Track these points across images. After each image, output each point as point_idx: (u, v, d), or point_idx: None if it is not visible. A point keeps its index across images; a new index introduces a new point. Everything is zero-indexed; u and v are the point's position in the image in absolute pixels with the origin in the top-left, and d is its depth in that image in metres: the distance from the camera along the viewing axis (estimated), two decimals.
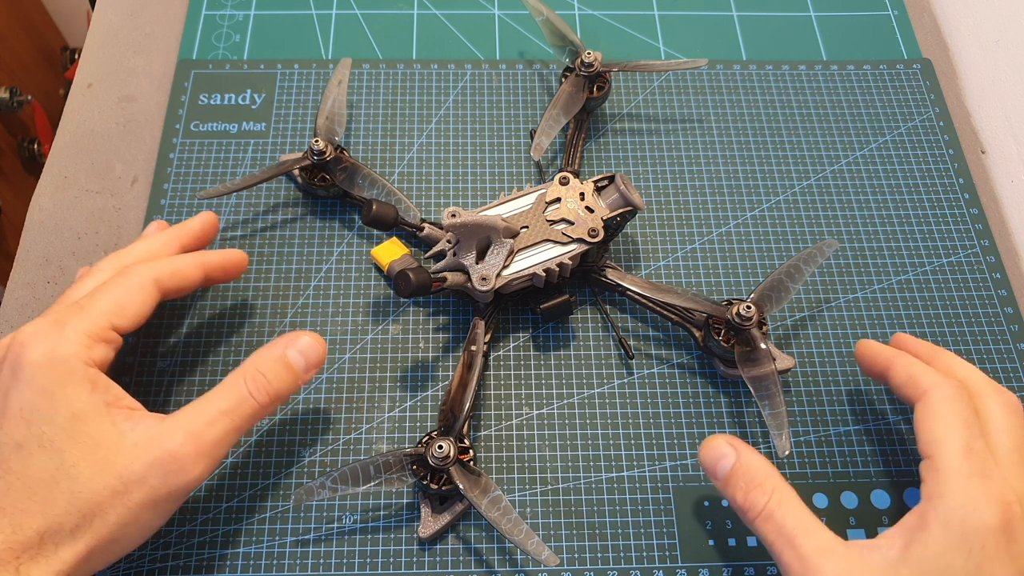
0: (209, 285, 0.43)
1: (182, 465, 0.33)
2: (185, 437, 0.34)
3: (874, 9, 0.60)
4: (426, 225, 0.46)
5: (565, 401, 0.44)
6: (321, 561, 0.39)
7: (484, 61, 0.56)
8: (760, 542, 0.40)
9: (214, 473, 0.41)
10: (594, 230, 0.43)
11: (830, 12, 0.59)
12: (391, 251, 0.46)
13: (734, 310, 0.41)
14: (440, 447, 0.37)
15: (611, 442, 0.43)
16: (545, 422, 0.43)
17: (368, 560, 0.39)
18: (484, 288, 0.41)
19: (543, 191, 0.44)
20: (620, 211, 0.43)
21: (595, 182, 0.45)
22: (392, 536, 0.40)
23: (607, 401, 0.44)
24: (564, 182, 0.44)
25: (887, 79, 0.56)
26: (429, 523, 0.39)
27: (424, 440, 0.39)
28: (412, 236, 0.47)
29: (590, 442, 0.43)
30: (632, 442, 0.43)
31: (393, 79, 0.55)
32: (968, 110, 0.56)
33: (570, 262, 0.43)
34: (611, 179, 0.44)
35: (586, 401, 0.44)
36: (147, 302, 0.37)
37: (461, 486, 0.37)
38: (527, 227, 0.43)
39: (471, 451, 0.39)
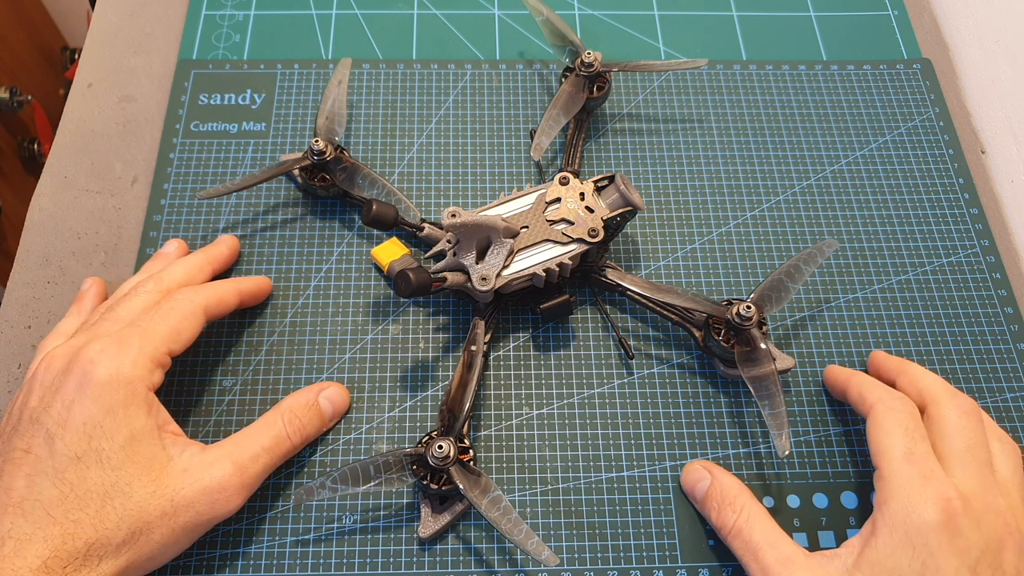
0: (241, 308, 0.44)
1: (228, 496, 0.36)
2: (233, 469, 0.36)
3: (874, 9, 0.60)
4: (426, 225, 0.46)
5: (565, 401, 0.44)
6: (321, 561, 0.39)
7: (484, 61, 0.56)
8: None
9: None
10: (594, 230, 0.43)
11: (830, 12, 0.59)
12: (391, 251, 0.46)
13: (734, 310, 0.41)
14: (440, 447, 0.37)
15: (611, 442, 0.43)
16: (545, 422, 0.43)
17: (368, 560, 0.39)
18: (484, 288, 0.41)
19: (543, 191, 0.44)
20: (620, 211, 0.43)
21: (595, 182, 0.45)
22: (392, 536, 0.40)
23: (607, 401, 0.44)
24: (564, 182, 0.44)
25: (887, 79, 0.56)
26: (429, 523, 0.39)
27: (424, 440, 0.39)
28: (412, 236, 0.47)
29: (590, 442, 0.43)
30: (632, 442, 0.43)
31: (393, 79, 0.55)
32: (968, 110, 0.56)
33: (570, 262, 0.43)
34: (611, 179, 0.44)
35: (586, 401, 0.44)
36: (197, 328, 0.40)
37: (461, 486, 0.37)
38: (527, 227, 0.43)
39: (471, 451, 0.39)
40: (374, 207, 0.43)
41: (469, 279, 0.42)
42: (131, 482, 0.34)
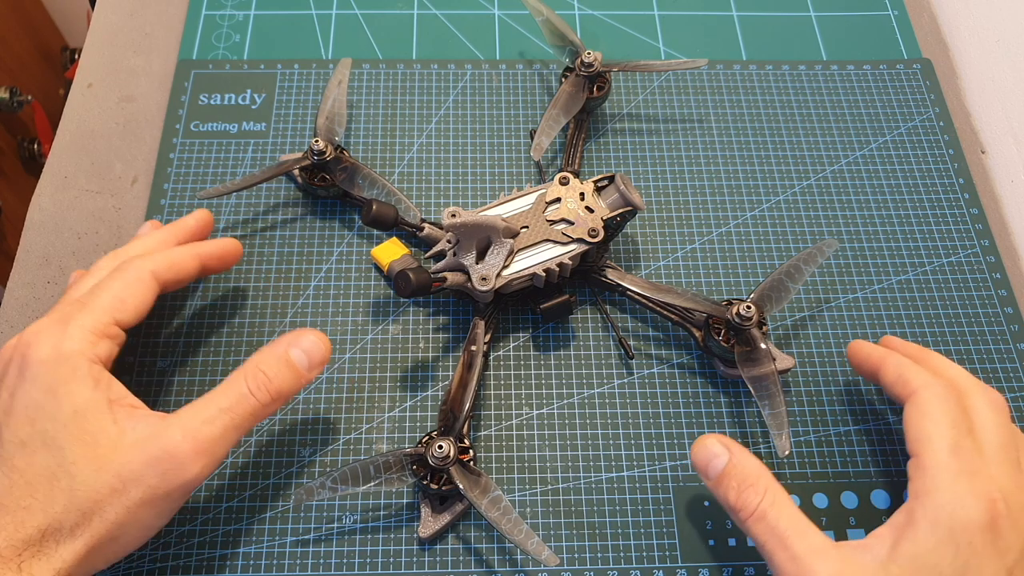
0: (206, 275, 0.43)
1: (180, 463, 0.33)
2: (183, 435, 0.33)
3: (874, 9, 0.60)
4: (426, 225, 0.46)
5: (565, 401, 0.44)
6: (321, 561, 0.39)
7: (484, 61, 0.56)
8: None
9: (214, 473, 0.41)
10: (594, 230, 0.43)
11: (830, 12, 0.59)
12: (391, 251, 0.46)
13: (734, 310, 0.41)
14: (440, 447, 0.37)
15: (611, 442, 0.43)
16: (545, 422, 0.43)
17: (368, 560, 0.39)
18: (484, 288, 0.41)
19: (543, 191, 0.44)
20: (620, 211, 0.43)
21: (595, 182, 0.45)
22: (392, 536, 0.40)
23: (607, 401, 0.44)
24: (564, 182, 0.44)
25: (887, 79, 0.56)
26: (429, 523, 0.39)
27: (424, 440, 0.39)
28: (412, 236, 0.47)
29: (590, 442, 0.43)
30: (632, 442, 0.43)
31: (393, 79, 0.55)
32: (968, 110, 0.56)
33: (570, 262, 0.43)
34: (611, 179, 0.44)
35: (586, 401, 0.44)
36: (147, 295, 0.37)
37: (461, 486, 0.37)
38: (527, 227, 0.43)
39: (471, 451, 0.39)
40: (374, 207, 0.42)
41: (469, 279, 0.42)
42: (76, 461, 0.32)
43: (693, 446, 0.37)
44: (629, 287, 0.44)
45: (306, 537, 0.40)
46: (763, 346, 0.40)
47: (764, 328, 0.41)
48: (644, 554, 0.40)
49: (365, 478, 0.37)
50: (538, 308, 0.43)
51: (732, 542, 0.40)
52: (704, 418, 0.43)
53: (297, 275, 0.47)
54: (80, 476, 0.32)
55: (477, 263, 0.42)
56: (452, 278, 0.41)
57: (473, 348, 0.41)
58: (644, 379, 0.45)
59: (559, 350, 0.45)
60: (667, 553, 0.40)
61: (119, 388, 0.35)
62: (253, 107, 0.53)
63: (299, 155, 0.48)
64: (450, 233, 0.42)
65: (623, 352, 0.45)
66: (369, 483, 0.37)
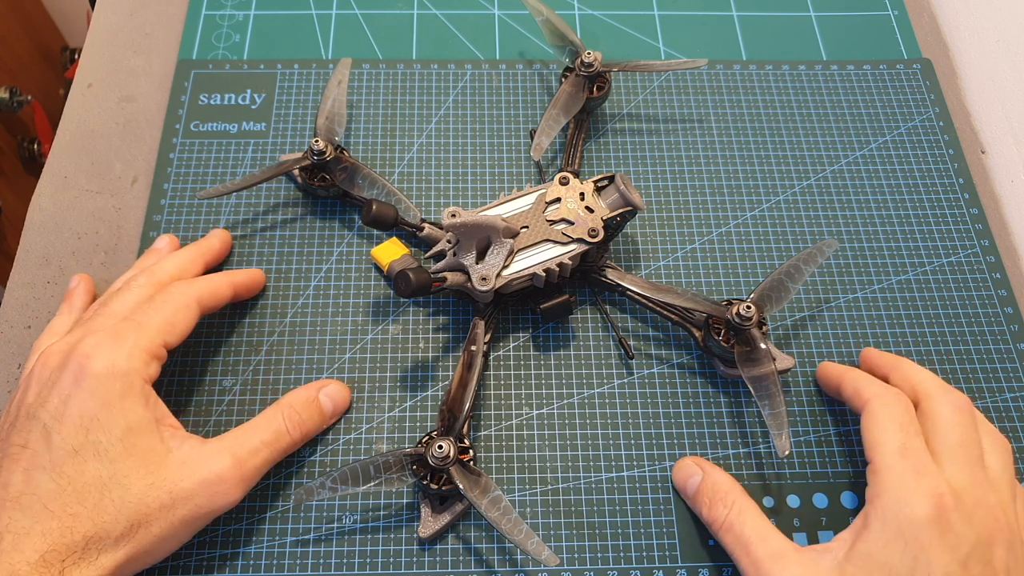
0: (234, 302, 0.44)
1: (227, 488, 0.36)
2: (232, 462, 0.36)
3: (874, 9, 0.60)
4: (426, 225, 0.46)
5: (565, 401, 0.44)
6: (321, 561, 0.39)
7: (484, 61, 0.56)
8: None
9: None
10: (594, 230, 0.43)
11: (830, 12, 0.59)
12: (391, 251, 0.46)
13: (734, 310, 0.41)
14: (440, 447, 0.37)
15: (611, 442, 0.43)
16: (545, 422, 0.43)
17: (368, 560, 0.39)
18: (484, 288, 0.41)
19: (543, 191, 0.44)
20: (620, 211, 0.43)
21: (595, 182, 0.45)
22: (392, 536, 0.40)
23: (607, 401, 0.44)
24: (564, 182, 0.44)
25: (887, 79, 0.56)
26: (429, 523, 0.39)
27: (424, 440, 0.39)
28: (412, 236, 0.47)
29: (590, 442, 0.43)
30: (632, 442, 0.43)
31: (393, 79, 0.55)
32: (968, 110, 0.56)
33: (570, 262, 0.43)
34: (611, 179, 0.44)
35: (586, 401, 0.44)
36: (191, 320, 0.40)
37: (461, 486, 0.37)
38: (527, 227, 0.43)
39: (471, 451, 0.39)
40: (374, 207, 0.43)
41: (469, 279, 0.42)
42: (129, 474, 0.34)
43: (674, 467, 0.41)
44: (629, 287, 0.44)
45: (306, 537, 0.40)
46: (763, 346, 0.40)
47: (764, 328, 0.41)
48: (644, 554, 0.40)
49: (365, 478, 0.37)
50: (538, 308, 0.43)
51: None
52: (704, 418, 0.43)
53: (297, 275, 0.47)
54: (134, 489, 0.34)
55: (477, 263, 0.42)
56: (452, 278, 0.41)
57: (473, 348, 0.41)
58: (644, 379, 0.45)
59: (559, 350, 0.45)
60: (667, 553, 0.40)
61: (163, 408, 0.37)
62: (253, 107, 0.53)
63: (299, 155, 0.48)
64: (450, 233, 0.42)
65: (623, 352, 0.45)
66: (369, 483, 0.37)
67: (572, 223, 0.43)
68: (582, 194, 0.44)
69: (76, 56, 0.98)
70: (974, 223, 0.50)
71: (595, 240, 0.43)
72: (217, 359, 0.44)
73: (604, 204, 0.44)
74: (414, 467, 0.38)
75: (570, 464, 0.42)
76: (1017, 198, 0.52)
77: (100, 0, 0.58)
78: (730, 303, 0.42)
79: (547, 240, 0.43)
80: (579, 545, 0.40)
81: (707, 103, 0.54)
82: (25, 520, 0.32)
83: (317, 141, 0.46)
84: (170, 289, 0.40)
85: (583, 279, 0.46)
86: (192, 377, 0.44)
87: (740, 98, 0.55)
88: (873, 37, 0.58)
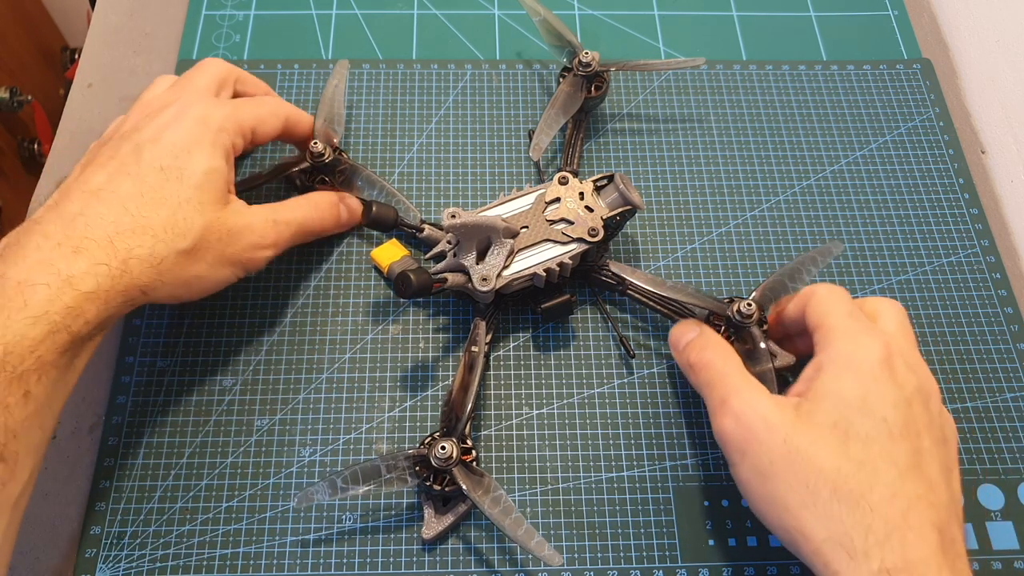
0: (284, 139, 0.46)
1: (264, 243, 0.40)
2: (273, 223, 0.40)
3: (874, 9, 0.60)
4: (426, 226, 0.46)
5: (565, 401, 0.44)
6: (321, 561, 0.39)
7: (484, 61, 0.56)
8: (761, 546, 0.40)
9: (214, 473, 0.41)
10: (594, 229, 0.43)
11: (830, 12, 0.59)
12: (391, 252, 0.46)
13: (735, 307, 0.41)
14: (443, 448, 0.37)
15: (611, 442, 0.43)
16: (545, 422, 0.43)
17: (368, 560, 0.39)
18: (485, 289, 0.41)
19: (542, 191, 0.44)
20: (620, 210, 0.43)
21: (594, 181, 0.45)
22: (393, 536, 0.40)
23: (607, 401, 0.44)
24: (563, 182, 0.44)
25: (887, 79, 0.56)
26: (432, 524, 0.39)
27: (426, 441, 0.39)
28: (412, 237, 0.47)
29: (590, 442, 0.43)
30: (632, 442, 0.43)
31: (393, 79, 0.55)
32: (968, 110, 0.56)
33: (570, 261, 0.42)
34: (610, 178, 0.44)
35: (586, 401, 0.44)
36: (277, 128, 0.43)
37: (464, 487, 0.37)
38: (527, 227, 0.43)
39: (473, 451, 0.39)
40: (374, 208, 0.43)
41: (469, 279, 0.42)
42: (203, 202, 0.37)
43: (673, 328, 0.42)
44: (630, 279, 0.44)
45: (306, 537, 0.40)
46: (763, 344, 0.40)
47: (764, 327, 0.41)
48: (644, 554, 0.40)
49: (367, 479, 0.37)
50: (539, 308, 0.43)
51: (732, 542, 0.40)
52: (704, 418, 0.43)
53: (297, 275, 0.47)
54: (207, 214, 0.37)
55: (477, 264, 0.42)
56: (452, 279, 0.41)
57: (474, 349, 0.41)
58: (644, 379, 0.45)
59: (559, 350, 0.45)
60: (667, 553, 0.40)
61: (232, 174, 0.40)
62: None
63: (298, 157, 0.48)
64: (450, 234, 0.42)
65: (624, 351, 0.45)
66: (371, 485, 0.37)
67: (572, 223, 0.43)
68: (581, 194, 0.44)
69: (76, 56, 0.98)
70: (974, 223, 0.50)
71: (595, 239, 0.43)
72: (217, 359, 0.44)
73: (604, 203, 0.44)
74: (417, 468, 0.38)
75: (570, 464, 0.42)
76: (1017, 198, 0.52)
77: (100, 0, 0.58)
78: (731, 300, 0.42)
79: (547, 240, 0.43)
80: (579, 545, 0.40)
81: (707, 103, 0.54)
82: (101, 208, 0.35)
83: (315, 143, 0.46)
84: (264, 98, 0.45)
85: (583, 279, 0.46)
86: (192, 377, 0.44)
87: (740, 98, 0.55)
88: (873, 37, 0.58)
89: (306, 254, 0.48)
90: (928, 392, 0.36)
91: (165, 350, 0.45)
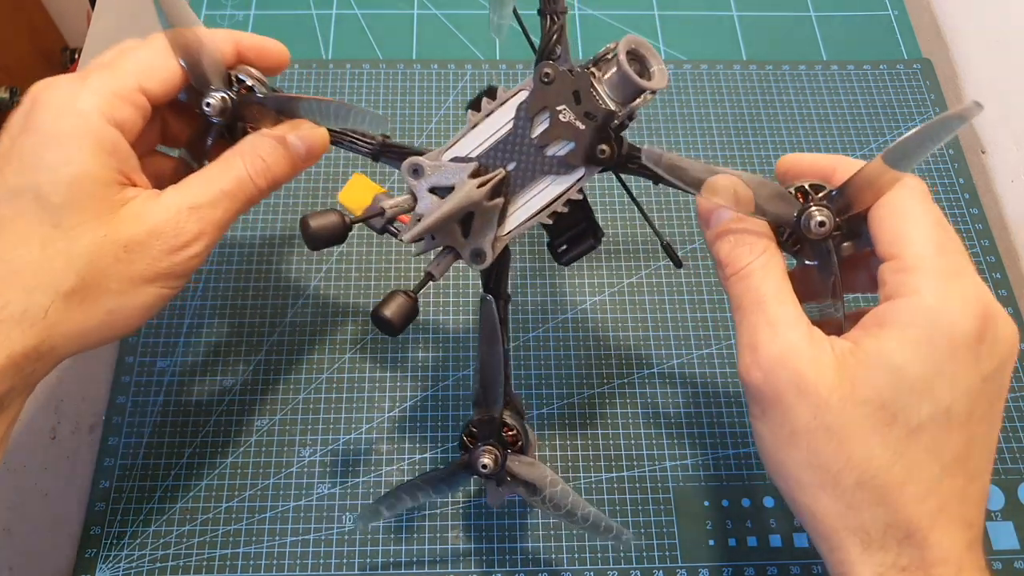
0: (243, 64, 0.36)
1: (185, 241, 0.32)
2: (189, 212, 0.32)
3: (874, 9, 0.60)
4: (386, 207, 0.34)
5: (565, 401, 0.44)
6: (321, 561, 0.39)
7: (484, 61, 0.56)
8: (761, 546, 0.40)
9: (214, 473, 0.41)
10: (602, 148, 0.31)
11: (830, 12, 0.59)
12: (361, 192, 0.37)
13: (808, 218, 0.30)
14: (484, 465, 0.34)
15: (611, 442, 0.43)
16: (545, 422, 0.43)
17: (368, 560, 0.39)
18: (482, 265, 0.33)
19: (520, 97, 0.32)
20: (631, 105, 0.31)
21: (591, 66, 0.32)
22: (392, 536, 0.40)
23: (607, 401, 0.44)
24: (547, 80, 0.31)
25: (887, 79, 0.56)
26: (497, 493, 0.36)
27: (468, 439, 0.35)
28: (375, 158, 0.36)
29: (590, 442, 0.43)
30: (632, 442, 0.43)
31: (393, 79, 0.55)
32: None
33: (580, 196, 0.33)
34: (610, 56, 0.31)
35: (586, 401, 0.44)
36: (175, 68, 0.33)
37: (520, 496, 0.35)
38: (515, 164, 0.32)
39: (515, 429, 0.35)
40: (311, 225, 0.32)
41: (459, 257, 0.33)
42: (76, 225, 0.30)
43: (700, 193, 0.31)
44: (669, 176, 0.32)
45: (306, 537, 0.40)
46: (832, 275, 0.31)
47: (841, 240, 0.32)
48: (644, 554, 0.40)
49: (424, 495, 0.35)
50: (557, 256, 0.36)
51: (732, 542, 0.40)
52: (704, 418, 0.43)
53: (297, 275, 0.47)
54: (82, 241, 0.30)
55: (464, 237, 0.33)
56: (439, 269, 0.33)
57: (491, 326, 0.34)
58: (644, 379, 0.45)
59: (559, 351, 0.45)
60: (667, 553, 0.40)
61: (134, 162, 0.32)
62: None
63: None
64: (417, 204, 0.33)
65: (671, 260, 0.37)
66: (429, 497, 0.35)
67: (572, 143, 0.32)
68: (576, 93, 0.31)
69: (76, 56, 0.98)
70: (974, 223, 0.50)
71: (605, 158, 0.32)
72: (217, 359, 0.44)
73: (608, 95, 0.31)
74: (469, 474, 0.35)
75: (570, 464, 0.42)
76: (1017, 198, 0.52)
77: (100, 0, 0.58)
78: (804, 195, 0.32)
79: (545, 174, 0.33)
80: (579, 545, 0.40)
81: (707, 103, 0.54)
82: None
83: (210, 97, 0.34)
84: (150, 37, 0.34)
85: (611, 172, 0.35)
86: (192, 377, 0.44)
87: (740, 98, 0.55)
88: (873, 37, 0.58)
89: (306, 254, 0.48)
90: (1010, 359, 0.28)
91: (165, 350, 0.45)
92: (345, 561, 0.39)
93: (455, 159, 0.33)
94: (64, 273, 0.29)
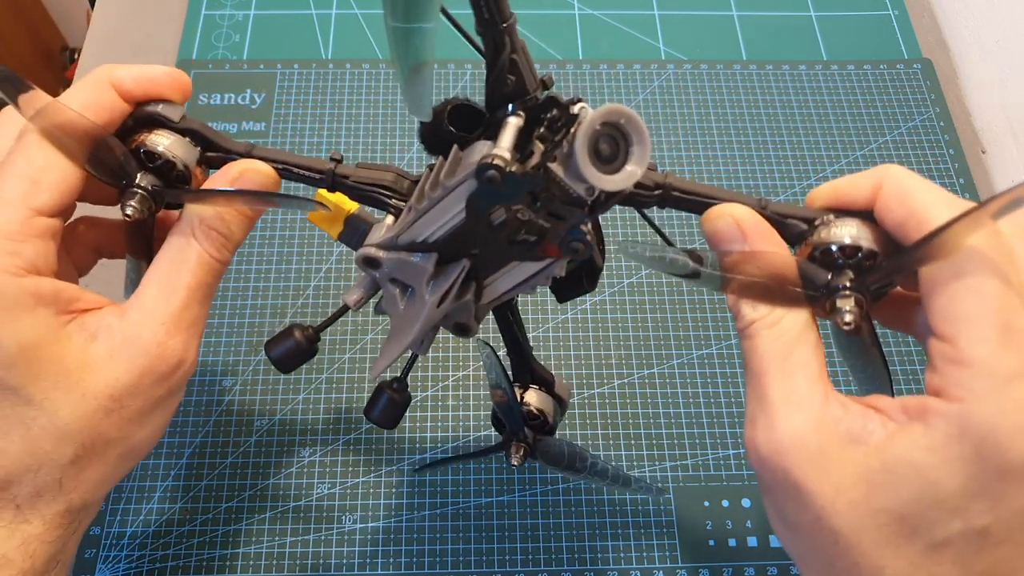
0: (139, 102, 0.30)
1: (175, 361, 0.29)
2: (167, 330, 0.28)
3: (874, 9, 0.60)
4: (350, 304, 0.31)
5: None
6: (321, 561, 0.39)
7: (484, 61, 0.56)
8: (761, 547, 0.40)
9: (214, 473, 0.41)
10: (574, 249, 0.26)
11: (830, 12, 0.59)
12: (332, 211, 0.32)
13: (826, 238, 0.26)
14: (514, 464, 0.33)
15: (611, 442, 0.43)
16: None
17: (368, 560, 0.39)
18: (469, 336, 0.30)
19: (467, 185, 0.26)
20: (597, 194, 0.25)
21: (550, 138, 0.25)
22: (392, 536, 0.40)
23: (607, 401, 0.44)
24: (492, 184, 0.24)
25: (887, 79, 0.56)
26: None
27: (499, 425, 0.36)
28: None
29: (590, 442, 0.43)
30: (632, 442, 0.43)
31: (393, 79, 0.55)
32: (968, 110, 0.56)
33: (562, 273, 0.28)
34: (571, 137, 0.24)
35: (586, 401, 0.44)
36: (64, 163, 0.28)
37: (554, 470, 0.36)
38: (480, 249, 0.27)
39: (539, 416, 0.34)
40: (270, 355, 0.31)
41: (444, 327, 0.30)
42: (48, 396, 0.27)
43: (706, 215, 0.28)
44: (675, 185, 0.30)
45: (306, 537, 0.40)
46: (866, 334, 0.27)
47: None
48: (644, 554, 0.40)
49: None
50: (556, 296, 0.32)
51: (732, 542, 0.40)
52: (704, 418, 0.43)
53: (297, 275, 0.47)
54: (63, 412, 0.27)
55: (439, 306, 0.28)
56: (423, 347, 0.31)
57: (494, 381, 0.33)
58: (644, 379, 0.45)
59: (560, 350, 0.45)
60: (667, 553, 0.40)
61: (69, 291, 0.28)
62: (253, 107, 0.53)
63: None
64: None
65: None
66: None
67: (538, 237, 0.26)
68: (532, 195, 0.25)
69: (76, 56, 0.98)
70: None
71: (579, 256, 0.26)
72: (217, 359, 0.44)
73: (572, 184, 0.24)
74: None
75: None
76: None
77: (100, 0, 0.58)
78: (825, 253, 0.26)
79: (514, 259, 0.28)
80: (579, 545, 0.40)
81: (707, 103, 0.54)
82: None
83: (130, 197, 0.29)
84: (22, 135, 0.28)
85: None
86: (192, 377, 0.44)
87: (740, 98, 0.55)
88: (873, 37, 0.58)
89: (306, 254, 0.48)
90: None
91: None
92: (345, 561, 0.39)
93: (412, 244, 0.28)
94: (60, 448, 0.27)
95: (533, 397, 0.35)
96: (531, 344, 0.35)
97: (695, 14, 0.59)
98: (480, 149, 0.27)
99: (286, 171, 0.30)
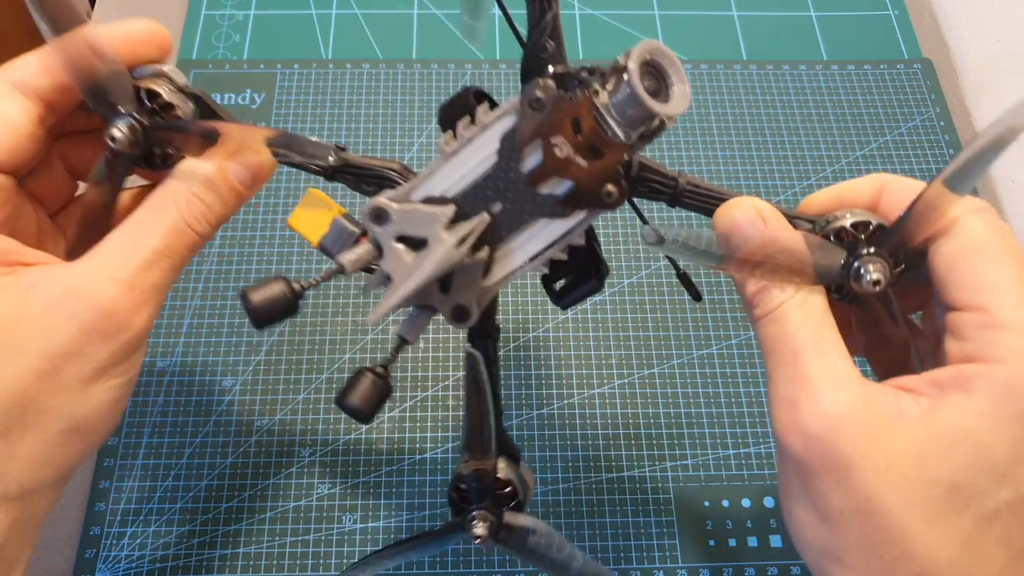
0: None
1: (121, 321, 0.26)
2: (116, 288, 0.26)
3: (874, 9, 0.60)
4: (346, 264, 0.29)
5: (565, 401, 0.44)
6: (321, 561, 0.39)
7: (484, 61, 0.56)
8: (761, 547, 0.40)
9: (214, 473, 0.41)
10: (608, 192, 0.25)
11: (830, 12, 0.59)
12: (315, 214, 0.30)
13: (858, 267, 0.26)
14: (476, 537, 0.30)
15: (611, 442, 0.43)
16: (545, 422, 0.43)
17: None
18: (466, 324, 0.28)
19: (503, 122, 0.26)
20: (640, 130, 0.24)
21: (595, 84, 0.24)
22: (392, 536, 0.40)
23: (607, 401, 0.44)
24: (537, 106, 0.25)
25: (887, 79, 0.56)
26: (491, 545, 0.32)
27: (457, 495, 0.31)
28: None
29: (590, 442, 0.43)
30: (632, 442, 0.43)
31: (393, 79, 0.55)
32: (968, 110, 0.56)
33: (580, 240, 0.27)
34: (621, 70, 0.24)
35: (586, 401, 0.44)
36: (19, 119, 0.27)
37: (515, 554, 0.32)
38: (501, 205, 0.26)
39: (510, 487, 0.31)
40: (251, 299, 0.26)
41: (437, 313, 0.28)
42: None
43: (719, 209, 0.27)
44: (687, 186, 0.29)
45: (306, 537, 0.40)
46: (896, 314, 0.27)
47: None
48: (644, 554, 0.40)
49: (415, 555, 0.34)
50: (556, 301, 0.32)
51: (732, 542, 0.40)
52: (704, 418, 0.43)
53: (297, 275, 0.47)
54: None
55: (443, 293, 0.28)
56: (414, 332, 0.29)
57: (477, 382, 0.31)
58: (644, 379, 0.45)
59: (559, 350, 0.45)
60: (667, 553, 0.40)
61: (5, 243, 0.26)
62: (253, 107, 0.53)
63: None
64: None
65: (689, 293, 0.34)
66: (419, 557, 0.34)
67: (569, 181, 0.25)
68: (575, 122, 0.24)
69: None
70: None
71: (611, 203, 0.25)
72: (217, 359, 0.44)
73: (617, 120, 0.24)
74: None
75: (570, 464, 0.42)
76: (1017, 198, 0.52)
77: (100, 0, 0.58)
78: (848, 242, 0.26)
79: (538, 217, 0.27)
80: (579, 545, 0.40)
81: (707, 103, 0.54)
82: None
83: (114, 127, 0.27)
84: None
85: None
86: (192, 377, 0.44)
87: (740, 98, 0.55)
88: (873, 37, 0.58)
89: (306, 254, 0.48)
90: None
91: (165, 350, 0.45)
92: (345, 561, 0.39)
93: (427, 199, 0.27)
94: None
95: (502, 465, 0.31)
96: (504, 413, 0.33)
97: (695, 14, 0.59)
98: (511, 100, 0.26)
99: (286, 157, 0.29)
